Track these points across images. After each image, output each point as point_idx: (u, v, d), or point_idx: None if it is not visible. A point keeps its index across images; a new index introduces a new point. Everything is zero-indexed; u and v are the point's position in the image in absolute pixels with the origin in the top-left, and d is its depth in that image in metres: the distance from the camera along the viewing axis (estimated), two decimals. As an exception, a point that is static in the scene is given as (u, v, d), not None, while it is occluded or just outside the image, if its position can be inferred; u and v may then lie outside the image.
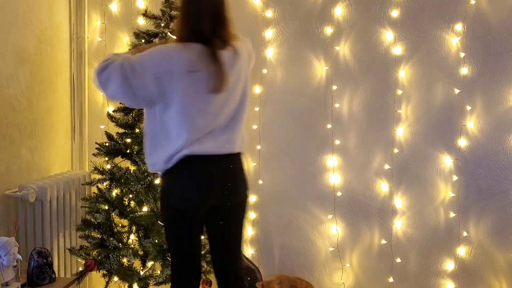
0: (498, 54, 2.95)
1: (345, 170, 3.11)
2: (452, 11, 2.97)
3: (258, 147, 3.13)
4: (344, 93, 3.07)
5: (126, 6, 3.14)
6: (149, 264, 2.67)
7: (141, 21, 2.94)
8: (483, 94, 2.98)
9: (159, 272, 2.67)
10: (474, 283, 3.05)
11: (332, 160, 3.09)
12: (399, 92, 3.03)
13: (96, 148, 2.73)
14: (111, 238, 2.62)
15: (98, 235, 2.67)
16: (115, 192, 2.71)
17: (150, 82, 1.87)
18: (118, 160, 2.75)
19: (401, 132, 3.05)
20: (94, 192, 2.82)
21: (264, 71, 3.10)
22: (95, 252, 2.65)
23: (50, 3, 2.87)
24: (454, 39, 2.98)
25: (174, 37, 2.09)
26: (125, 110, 2.70)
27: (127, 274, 2.63)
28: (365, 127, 3.08)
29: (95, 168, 2.69)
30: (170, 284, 2.14)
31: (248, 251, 3.16)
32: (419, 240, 3.08)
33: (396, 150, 3.06)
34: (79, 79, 3.13)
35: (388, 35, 3.02)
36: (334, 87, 3.07)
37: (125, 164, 2.74)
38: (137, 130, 2.68)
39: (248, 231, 3.17)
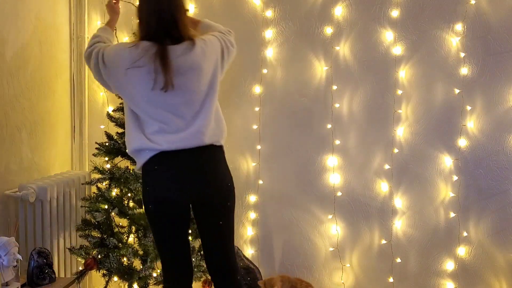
0: (498, 54, 2.95)
1: (345, 170, 3.11)
2: (452, 11, 2.97)
3: (258, 147, 3.13)
4: (344, 93, 3.07)
5: (126, 6, 3.13)
6: (149, 262, 2.67)
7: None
8: (483, 94, 2.98)
9: (159, 271, 2.67)
10: (474, 283, 3.05)
11: (332, 160, 3.09)
12: (399, 92, 3.03)
13: (96, 148, 2.73)
14: (111, 238, 2.62)
15: (98, 235, 2.68)
16: (114, 191, 2.71)
17: (107, 76, 2.08)
18: (117, 160, 2.75)
19: (401, 132, 3.05)
20: (94, 192, 2.82)
21: (264, 71, 3.10)
22: (95, 252, 2.65)
23: (50, 3, 2.87)
24: (454, 39, 2.98)
25: None
26: (123, 110, 2.69)
27: (127, 273, 2.63)
28: (365, 127, 3.08)
29: (95, 168, 2.69)
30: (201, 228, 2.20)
31: (248, 251, 3.16)
32: (419, 240, 3.08)
33: (396, 150, 3.06)
34: (79, 79, 3.13)
35: (388, 35, 3.02)
36: (334, 87, 3.07)
37: (125, 163, 2.74)
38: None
39: (248, 231, 3.17)
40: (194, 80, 2.03)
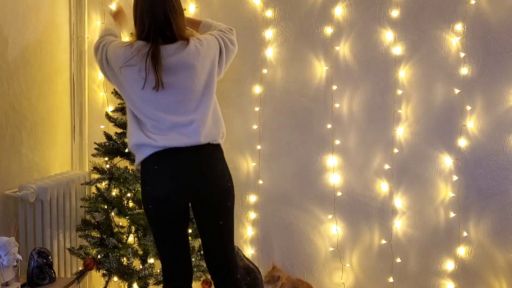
0: (498, 54, 2.95)
1: (345, 170, 3.10)
2: (452, 11, 2.97)
3: (258, 147, 3.13)
4: (344, 93, 3.07)
5: (126, 6, 3.14)
6: (149, 262, 2.67)
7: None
8: (483, 94, 2.98)
9: (158, 271, 2.67)
10: (474, 283, 3.05)
11: (332, 160, 3.09)
12: (399, 92, 3.03)
13: (95, 148, 2.73)
14: (111, 238, 2.63)
15: (98, 235, 2.68)
16: (114, 191, 2.71)
17: (109, 72, 2.14)
18: (117, 160, 2.75)
19: (401, 132, 3.05)
20: (93, 192, 2.82)
21: (264, 71, 3.10)
22: (94, 252, 2.66)
23: (50, 3, 2.87)
24: (454, 39, 2.98)
25: None
26: (123, 110, 2.70)
27: (127, 273, 2.63)
28: (365, 127, 3.08)
29: (95, 168, 2.69)
30: (199, 227, 2.20)
31: (248, 251, 3.16)
32: (419, 240, 3.08)
33: (396, 150, 3.06)
34: (79, 79, 3.13)
35: (388, 35, 3.02)
36: (334, 87, 3.07)
37: (124, 164, 2.74)
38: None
39: (248, 231, 3.17)
40: (186, 79, 2.03)
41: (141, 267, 2.66)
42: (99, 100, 3.20)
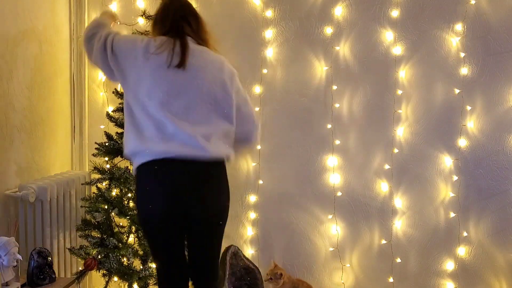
0: (498, 54, 2.95)
1: (345, 170, 3.11)
2: (452, 11, 2.97)
3: (258, 147, 3.13)
4: (344, 93, 3.07)
5: (126, 6, 3.14)
6: (150, 264, 2.67)
7: (141, 21, 2.94)
8: (483, 94, 2.98)
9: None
10: (474, 283, 3.05)
11: (332, 160, 3.09)
12: (399, 92, 3.03)
13: (96, 148, 2.73)
14: (111, 238, 2.62)
15: (98, 235, 2.67)
16: (114, 191, 2.71)
17: (114, 62, 2.01)
18: (117, 160, 2.75)
19: (401, 132, 3.05)
20: (93, 192, 2.82)
21: (264, 71, 3.10)
22: (94, 252, 2.65)
23: (50, 3, 2.87)
24: (454, 39, 2.98)
25: None
26: (123, 110, 2.69)
27: (127, 273, 2.63)
28: (365, 127, 3.08)
29: (95, 168, 2.69)
30: (190, 249, 2.14)
31: (248, 251, 3.16)
32: (419, 240, 3.08)
33: (396, 150, 3.06)
34: (79, 79, 3.13)
35: (388, 35, 3.02)
36: (334, 87, 3.07)
37: (125, 163, 2.74)
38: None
39: (248, 231, 3.17)
40: (205, 81, 1.98)
41: (141, 267, 2.65)
42: (99, 100, 3.20)
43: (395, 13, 3.00)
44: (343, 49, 3.06)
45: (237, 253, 2.99)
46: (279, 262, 3.12)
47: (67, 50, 3.08)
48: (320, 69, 3.08)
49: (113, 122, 2.72)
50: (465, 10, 2.95)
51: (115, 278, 2.72)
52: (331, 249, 3.14)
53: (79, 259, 2.73)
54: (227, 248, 2.96)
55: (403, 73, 3.03)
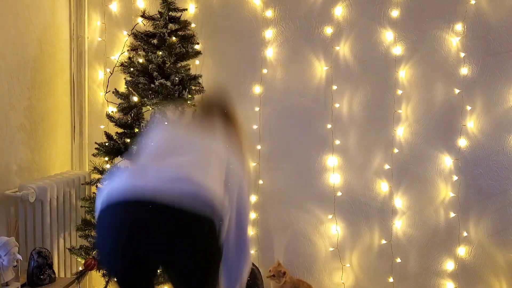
0: (498, 54, 2.95)
1: (345, 170, 3.10)
2: (452, 11, 2.97)
3: (258, 147, 3.13)
4: (344, 93, 3.07)
5: (126, 6, 3.14)
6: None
7: (142, 21, 2.94)
8: (483, 94, 2.98)
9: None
10: (474, 283, 3.05)
11: (332, 160, 3.09)
12: (399, 92, 3.03)
13: (96, 148, 2.73)
14: (111, 238, 2.62)
15: (98, 235, 2.67)
16: (115, 192, 2.71)
17: None
18: (117, 160, 2.74)
19: (401, 132, 3.05)
20: (93, 192, 2.82)
21: (264, 71, 3.10)
22: (95, 252, 2.65)
23: (50, 3, 2.87)
24: (454, 39, 2.98)
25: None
26: (124, 110, 2.70)
27: (127, 274, 2.63)
28: (365, 127, 3.08)
29: (95, 168, 2.69)
30: (171, 284, 2.06)
31: (248, 251, 3.16)
32: (419, 240, 3.08)
33: (396, 150, 3.06)
34: (79, 79, 3.13)
35: (388, 35, 3.02)
36: (334, 87, 3.07)
37: (125, 164, 2.74)
38: (136, 130, 2.67)
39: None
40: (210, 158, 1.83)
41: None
42: (99, 100, 3.20)
43: (395, 13, 3.00)
44: (343, 49, 3.06)
45: (237, 253, 2.99)
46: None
47: (67, 50, 3.08)
48: (320, 69, 3.08)
49: (113, 122, 2.72)
50: (465, 10, 2.95)
51: (115, 278, 2.72)
52: (331, 249, 3.14)
53: (79, 259, 2.73)
54: (227, 248, 2.96)
55: (403, 73, 3.03)
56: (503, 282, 3.03)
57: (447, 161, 3.03)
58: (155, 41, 2.64)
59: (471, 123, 3.00)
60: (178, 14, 2.71)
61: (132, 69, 2.68)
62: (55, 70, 2.93)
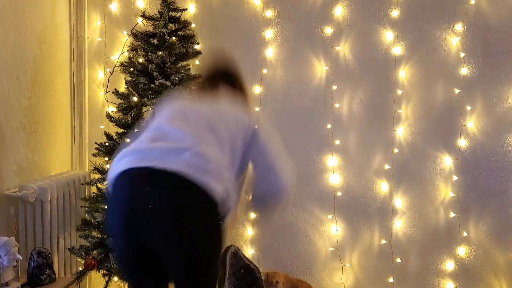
0: (498, 54, 2.95)
1: (345, 170, 3.10)
2: (452, 11, 2.97)
3: (258, 147, 3.12)
4: (344, 93, 3.07)
5: (126, 6, 3.14)
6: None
7: (142, 21, 2.94)
8: (483, 94, 2.98)
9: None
10: (474, 283, 3.05)
11: (332, 160, 3.09)
12: (399, 92, 3.03)
13: (96, 148, 2.73)
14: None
15: (98, 235, 2.67)
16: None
17: None
18: (118, 160, 2.74)
19: (401, 132, 3.05)
20: (93, 192, 2.82)
21: (264, 71, 3.10)
22: (95, 252, 2.65)
23: (50, 3, 2.87)
24: (454, 39, 2.98)
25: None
26: (124, 110, 2.70)
27: (127, 274, 2.63)
28: (365, 127, 3.07)
29: (95, 168, 2.69)
30: (171, 284, 2.03)
31: (248, 251, 3.16)
32: (419, 240, 3.08)
33: (396, 150, 3.06)
34: (79, 79, 3.13)
35: (388, 35, 3.02)
36: (334, 87, 3.07)
37: (125, 164, 2.74)
38: (136, 130, 2.67)
39: (248, 231, 3.17)
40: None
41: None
42: (99, 100, 3.20)
43: (395, 13, 3.00)
44: (343, 49, 3.06)
45: (237, 253, 2.99)
46: (279, 262, 3.12)
47: (67, 50, 3.08)
48: (320, 69, 3.08)
49: (113, 122, 2.72)
50: (465, 10, 2.95)
51: (115, 278, 2.72)
52: (331, 249, 3.14)
53: (79, 259, 2.73)
54: (227, 248, 2.96)
55: (403, 73, 3.03)
56: (503, 282, 3.03)
57: (447, 161, 3.03)
58: (155, 41, 2.64)
59: (471, 123, 3.00)
60: (178, 14, 2.71)
61: (132, 69, 2.68)
62: (55, 70, 2.93)
